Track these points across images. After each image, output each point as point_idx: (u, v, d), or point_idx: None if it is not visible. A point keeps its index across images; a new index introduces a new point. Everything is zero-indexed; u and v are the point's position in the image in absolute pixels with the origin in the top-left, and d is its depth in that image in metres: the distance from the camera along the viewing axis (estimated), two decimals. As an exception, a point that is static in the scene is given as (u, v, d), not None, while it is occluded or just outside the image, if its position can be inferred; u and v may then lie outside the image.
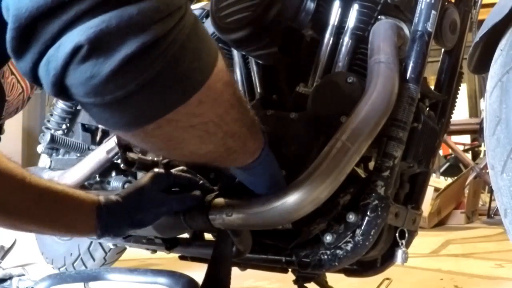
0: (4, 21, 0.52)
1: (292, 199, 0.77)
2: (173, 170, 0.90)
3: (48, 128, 1.72)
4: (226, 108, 0.64)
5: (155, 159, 1.02)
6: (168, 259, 2.00)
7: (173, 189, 0.89)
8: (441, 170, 5.22)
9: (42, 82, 0.53)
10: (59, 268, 1.88)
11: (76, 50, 0.49)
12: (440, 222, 3.50)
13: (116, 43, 0.49)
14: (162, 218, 0.90)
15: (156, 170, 0.88)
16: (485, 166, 3.48)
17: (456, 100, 1.08)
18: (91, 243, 1.81)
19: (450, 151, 4.77)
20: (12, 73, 0.74)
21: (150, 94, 0.53)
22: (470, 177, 3.79)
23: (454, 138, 4.56)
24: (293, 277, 0.98)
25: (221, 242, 0.88)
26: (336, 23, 1.01)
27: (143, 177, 0.87)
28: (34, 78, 0.53)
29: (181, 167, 0.91)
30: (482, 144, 4.40)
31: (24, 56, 0.51)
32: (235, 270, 0.91)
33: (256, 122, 0.75)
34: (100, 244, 1.80)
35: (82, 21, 0.49)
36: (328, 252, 0.86)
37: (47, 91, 0.53)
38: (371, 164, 0.92)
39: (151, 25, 0.50)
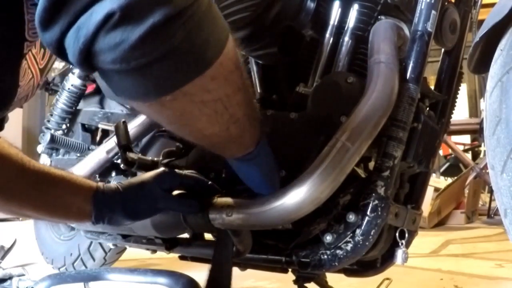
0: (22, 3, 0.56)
1: (292, 199, 0.77)
2: (185, 172, 0.89)
3: (48, 128, 1.72)
4: (234, 90, 0.68)
5: (155, 159, 1.02)
6: (168, 259, 2.00)
7: (180, 190, 0.88)
8: (441, 170, 5.23)
9: (68, 51, 0.56)
10: (59, 268, 1.88)
11: (108, 17, 0.52)
12: (440, 222, 3.51)
13: (145, 12, 0.53)
14: (161, 218, 0.90)
15: (163, 168, 0.89)
16: (485, 166, 3.48)
17: (456, 100, 1.08)
18: (91, 243, 1.80)
19: (450, 151, 4.78)
20: (24, 58, 0.75)
21: (170, 64, 0.57)
22: (470, 177, 3.79)
23: (454, 138, 4.57)
24: (293, 277, 0.98)
25: (221, 242, 0.88)
26: (336, 23, 1.01)
27: (149, 173, 0.87)
28: (59, 49, 0.56)
29: (189, 171, 0.91)
30: (482, 144, 4.40)
31: (53, 26, 0.54)
32: (235, 270, 0.91)
33: (258, 117, 0.77)
34: (100, 244, 1.80)
35: None
36: (328, 252, 0.86)
37: (72, 60, 0.56)
38: (371, 164, 0.92)
39: None
